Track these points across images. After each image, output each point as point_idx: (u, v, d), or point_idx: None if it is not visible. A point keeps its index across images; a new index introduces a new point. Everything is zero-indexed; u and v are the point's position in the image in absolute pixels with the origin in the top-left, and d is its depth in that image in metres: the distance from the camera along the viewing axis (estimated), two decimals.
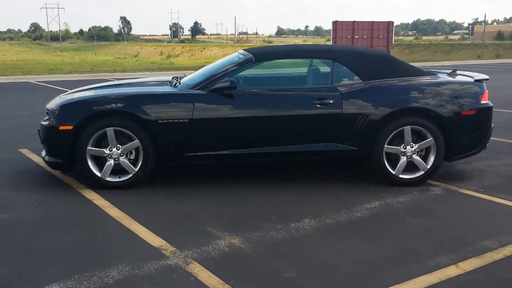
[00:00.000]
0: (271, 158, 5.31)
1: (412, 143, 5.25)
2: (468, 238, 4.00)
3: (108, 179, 5.07)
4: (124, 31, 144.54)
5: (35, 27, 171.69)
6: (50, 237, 3.95)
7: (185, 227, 4.17)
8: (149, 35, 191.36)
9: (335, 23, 37.50)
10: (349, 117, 5.18)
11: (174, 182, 5.41)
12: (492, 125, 5.63)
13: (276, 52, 5.85)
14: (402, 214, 4.52)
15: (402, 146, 5.25)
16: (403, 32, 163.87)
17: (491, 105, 5.55)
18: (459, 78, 5.76)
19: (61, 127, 4.99)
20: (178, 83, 5.51)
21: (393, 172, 5.28)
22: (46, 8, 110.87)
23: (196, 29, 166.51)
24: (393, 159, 5.30)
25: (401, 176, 5.30)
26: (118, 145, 5.02)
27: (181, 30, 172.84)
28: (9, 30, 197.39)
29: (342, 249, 3.78)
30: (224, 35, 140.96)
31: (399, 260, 3.61)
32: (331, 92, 5.21)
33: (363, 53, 5.74)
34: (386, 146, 5.23)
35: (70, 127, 4.96)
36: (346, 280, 3.32)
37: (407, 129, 5.21)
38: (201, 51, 67.13)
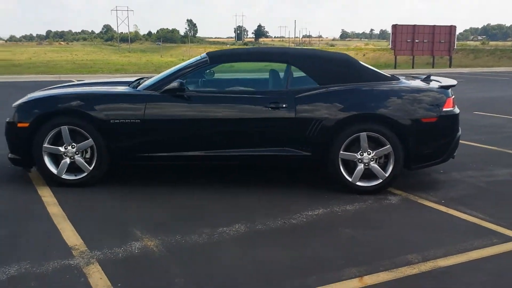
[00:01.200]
0: (224, 161, 5.30)
1: (369, 150, 5.09)
2: (392, 251, 3.84)
3: (64, 176, 5.21)
4: (190, 33, 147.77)
5: (107, 28, 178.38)
6: None
7: (111, 228, 4.21)
8: (215, 38, 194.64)
9: (394, 26, 36.67)
10: (302, 122, 5.08)
11: (127, 182, 5.48)
12: (459, 133, 5.36)
13: (232, 55, 5.82)
14: (338, 223, 4.39)
15: (359, 153, 5.10)
16: (472, 36, 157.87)
17: (457, 112, 5.29)
18: (421, 84, 5.53)
19: (19, 125, 5.17)
20: (139, 84, 5.59)
21: (350, 180, 5.14)
22: (116, 10, 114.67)
23: (260, 32, 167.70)
24: (352, 166, 5.16)
25: (358, 183, 5.15)
26: (73, 144, 5.16)
27: (245, 33, 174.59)
28: (83, 31, 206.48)
29: (251, 257, 3.71)
30: (288, 38, 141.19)
31: (303, 270, 3.50)
32: (285, 96, 5.14)
33: (320, 57, 5.63)
34: (341, 152, 5.09)
35: (26, 125, 5.13)
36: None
37: (363, 135, 5.05)
38: None
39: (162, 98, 5.16)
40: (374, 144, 5.11)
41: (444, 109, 5.16)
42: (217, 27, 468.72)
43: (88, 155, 5.23)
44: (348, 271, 3.49)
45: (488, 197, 5.19)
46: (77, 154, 5.18)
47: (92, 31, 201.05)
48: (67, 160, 5.19)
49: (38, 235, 4.06)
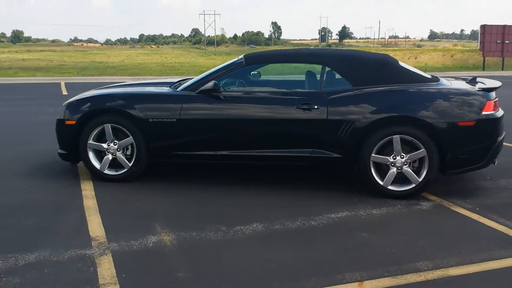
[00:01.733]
0: (256, 161, 5.35)
1: (403, 154, 4.97)
2: (404, 257, 3.74)
3: (106, 172, 5.50)
4: (274, 35, 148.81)
5: (195, 32, 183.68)
6: (11, 218, 4.45)
7: (136, 222, 4.38)
8: (299, 40, 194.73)
9: (483, 27, 35.14)
10: (334, 123, 5.05)
11: (166, 180, 5.68)
12: (500, 138, 5.09)
13: (266, 56, 5.86)
14: (358, 227, 4.33)
15: (391, 156, 5.00)
16: None
17: (498, 116, 5.03)
18: (461, 85, 5.30)
19: (67, 122, 5.52)
20: (180, 85, 5.77)
21: (381, 183, 5.04)
22: (204, 14, 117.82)
23: (344, 33, 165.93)
24: (385, 170, 5.07)
25: (389, 187, 5.04)
26: (115, 141, 5.43)
27: (329, 34, 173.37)
28: (173, 35, 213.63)
29: (261, 256, 3.74)
30: (373, 39, 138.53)
31: (305, 271, 3.49)
32: (317, 97, 5.13)
33: (356, 58, 5.54)
34: (373, 155, 5.01)
35: (73, 122, 5.48)
36: (232, 286, 3.33)
37: (396, 138, 4.94)
38: None
39: (198, 98, 5.31)
40: (408, 147, 4.98)
41: (483, 113, 4.93)
42: (302, 29, 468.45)
43: (129, 152, 5.48)
44: (350, 275, 3.45)
45: None
46: (119, 151, 5.45)
47: (181, 34, 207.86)
48: (109, 156, 5.47)
49: (67, 225, 4.32)
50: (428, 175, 4.96)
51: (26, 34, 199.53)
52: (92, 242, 3.96)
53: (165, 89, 5.73)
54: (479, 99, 4.98)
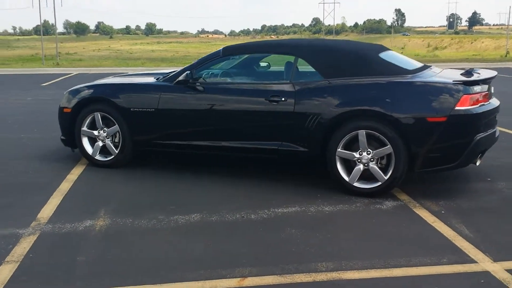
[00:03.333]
0: (228, 153, 5.36)
1: (369, 150, 4.73)
2: (312, 256, 3.60)
3: (97, 157, 5.82)
4: (397, 23, 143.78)
5: (316, 21, 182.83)
6: None
7: (89, 206, 4.61)
8: (426, 27, 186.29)
9: None
10: (300, 116, 4.92)
11: (152, 168, 5.87)
12: (480, 136, 4.62)
13: (241, 48, 5.79)
14: (294, 223, 4.20)
15: (358, 152, 4.77)
16: None
17: (477, 112, 4.58)
18: (439, 78, 4.88)
19: (65, 110, 5.91)
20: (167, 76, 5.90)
21: (347, 180, 4.84)
22: (324, 3, 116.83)
23: (474, 20, 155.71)
24: (352, 166, 4.86)
25: (355, 184, 4.82)
26: (104, 128, 5.73)
27: (458, 21, 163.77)
28: (293, 25, 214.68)
29: (174, 246, 3.79)
30: (507, 25, 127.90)
31: (205, 264, 3.49)
32: (286, 89, 5.02)
33: (329, 48, 5.31)
34: (339, 150, 4.82)
35: (69, 110, 5.86)
36: (122, 272, 3.44)
37: (362, 133, 4.71)
38: (471, 43, 63.36)
39: (175, 89, 5.43)
40: (376, 143, 4.72)
41: (457, 108, 4.52)
42: (429, 16, 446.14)
43: (117, 140, 5.75)
44: (240, 270, 3.40)
45: (502, 213, 4.45)
46: (108, 138, 5.74)
47: (302, 24, 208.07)
48: (100, 143, 5.78)
49: (26, 205, 4.64)
50: (394, 173, 4.67)
51: (158, 27, 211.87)
52: (33, 223, 4.24)
53: (149, 80, 5.91)
54: (453, 93, 4.57)
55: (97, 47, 61.47)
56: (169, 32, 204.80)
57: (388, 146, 4.64)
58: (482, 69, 5.29)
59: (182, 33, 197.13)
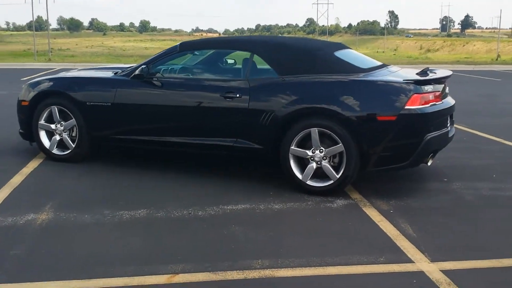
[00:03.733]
0: (184, 148, 5.32)
1: (322, 148, 4.70)
2: (250, 253, 3.57)
3: (54, 151, 5.75)
4: (390, 25, 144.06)
5: (310, 22, 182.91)
6: None
7: (34, 200, 4.56)
8: (419, 29, 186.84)
9: None
10: (254, 113, 4.89)
11: (113, 163, 5.82)
12: (431, 136, 4.60)
13: (198, 43, 5.76)
14: (240, 220, 4.16)
15: (311, 150, 4.74)
16: None
17: (428, 111, 4.55)
18: (386, 76, 4.87)
19: (23, 103, 5.85)
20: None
21: (300, 178, 4.81)
22: (317, 4, 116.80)
23: (467, 23, 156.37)
24: (306, 164, 4.83)
25: (308, 183, 4.79)
26: (61, 122, 5.67)
27: (451, 24, 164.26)
28: (288, 25, 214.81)
29: (111, 241, 3.76)
30: (499, 29, 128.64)
31: (139, 259, 3.46)
32: (241, 86, 4.98)
33: (285, 45, 5.29)
34: (292, 148, 4.79)
35: (27, 103, 5.79)
36: (51, 265, 3.39)
37: (314, 131, 4.68)
38: (463, 45, 63.65)
39: (131, 83, 5.38)
40: (330, 141, 4.69)
41: (407, 107, 4.49)
42: (422, 18, 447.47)
43: (74, 134, 5.69)
44: (173, 267, 3.36)
45: (450, 214, 4.44)
46: (65, 132, 5.68)
47: (296, 24, 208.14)
48: (57, 137, 5.72)
49: None
50: (346, 172, 4.64)
51: (152, 25, 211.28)
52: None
53: (107, 74, 5.85)
54: (403, 92, 4.54)
55: (90, 44, 61.25)
56: (163, 30, 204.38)
57: (340, 144, 4.61)
58: (438, 69, 5.28)
59: (176, 31, 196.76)
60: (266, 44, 5.34)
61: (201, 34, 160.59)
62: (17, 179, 5.14)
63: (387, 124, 4.52)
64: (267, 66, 5.08)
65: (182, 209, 4.40)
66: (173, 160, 5.95)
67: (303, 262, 3.45)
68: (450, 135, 5.03)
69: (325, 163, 4.71)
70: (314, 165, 4.74)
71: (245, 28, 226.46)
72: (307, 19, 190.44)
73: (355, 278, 3.28)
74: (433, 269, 3.38)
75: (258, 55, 5.12)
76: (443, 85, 4.96)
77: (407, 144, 4.56)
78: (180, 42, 5.55)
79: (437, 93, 4.75)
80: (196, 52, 5.74)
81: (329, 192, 4.75)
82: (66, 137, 5.68)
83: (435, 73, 5.02)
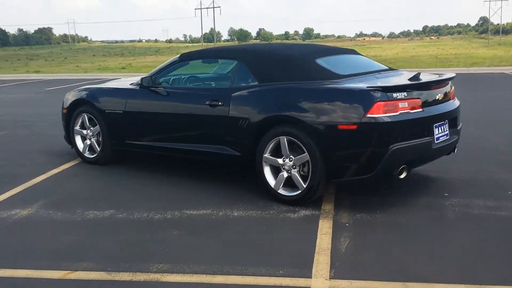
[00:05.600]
0: (177, 154, 5.52)
1: (291, 157, 4.62)
2: (154, 257, 3.68)
3: (85, 154, 6.36)
4: None
5: (483, 20, 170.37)
6: None
7: (40, 197, 5.09)
8: None
9: None
10: (234, 121, 4.94)
11: (133, 165, 6.24)
12: (395, 147, 4.23)
13: (196, 53, 5.93)
14: (185, 225, 4.27)
15: (282, 159, 4.68)
16: None
17: (391, 120, 4.20)
18: (354, 83, 4.54)
19: (64, 110, 6.55)
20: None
21: (272, 186, 4.76)
22: (489, 1, 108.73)
23: None
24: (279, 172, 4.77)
25: (280, 191, 4.72)
26: (91, 128, 6.27)
27: None
28: (458, 25, 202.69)
29: (52, 237, 4.12)
30: None
31: (49, 255, 3.77)
32: (225, 94, 5.07)
33: (267, 53, 5.23)
34: (265, 156, 4.76)
35: (66, 111, 6.49)
36: None
37: (283, 139, 4.62)
38: None
39: (140, 93, 5.78)
40: (298, 150, 4.59)
41: (368, 115, 4.20)
42: None
43: (100, 139, 6.24)
44: (77, 265, 3.58)
45: (409, 232, 4.09)
46: (94, 137, 6.26)
47: (467, 24, 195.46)
48: (88, 141, 6.33)
49: None
50: (312, 181, 4.49)
51: (316, 32, 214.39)
52: None
53: (122, 84, 6.31)
54: (365, 99, 4.25)
55: None
56: (326, 36, 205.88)
57: (306, 153, 4.48)
58: (429, 75, 4.82)
59: (338, 37, 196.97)
60: (250, 52, 5.35)
61: (363, 39, 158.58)
62: (39, 179, 5.79)
63: (348, 133, 4.28)
64: (250, 75, 5.08)
65: (145, 211, 4.62)
66: (180, 164, 6.15)
67: (201, 269, 3.46)
68: (437, 145, 4.56)
69: (294, 172, 4.60)
70: (285, 173, 4.66)
71: (411, 30, 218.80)
72: (480, 18, 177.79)
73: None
74: (320, 287, 3.18)
75: (243, 64, 5.16)
76: (431, 91, 4.56)
77: (370, 154, 4.26)
78: (181, 54, 5.81)
79: (415, 100, 4.35)
80: (196, 62, 5.91)
81: (299, 201, 4.63)
82: (94, 141, 6.24)
83: (431, 78, 4.63)
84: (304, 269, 3.43)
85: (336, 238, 3.92)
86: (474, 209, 4.43)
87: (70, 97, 6.47)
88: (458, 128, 5.01)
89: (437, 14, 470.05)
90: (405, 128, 4.28)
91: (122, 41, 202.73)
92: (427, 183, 5.22)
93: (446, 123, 4.73)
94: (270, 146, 4.71)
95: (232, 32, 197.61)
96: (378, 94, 4.23)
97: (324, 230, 4.10)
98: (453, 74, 5.00)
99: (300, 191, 4.58)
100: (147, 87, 5.68)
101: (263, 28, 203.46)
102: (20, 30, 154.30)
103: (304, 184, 4.54)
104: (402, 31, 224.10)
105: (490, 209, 4.42)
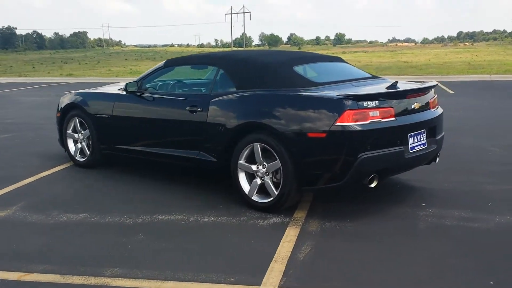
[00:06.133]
0: (159, 159, 5.55)
1: (265, 164, 4.60)
2: (111, 261, 3.69)
3: (77, 158, 6.46)
4: None
5: None
6: None
7: (23, 198, 5.20)
8: None
9: None
10: (211, 127, 4.96)
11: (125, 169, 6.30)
12: (364, 155, 4.15)
13: (181, 60, 5.91)
14: (153, 230, 4.28)
15: (256, 165, 4.67)
16: None
17: (360, 129, 4.13)
18: (325, 91, 4.48)
19: (57, 114, 6.66)
20: None
21: (246, 192, 4.74)
22: None
23: None
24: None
25: (253, 198, 4.71)
26: (82, 132, 6.36)
27: None
28: (494, 31, 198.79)
29: (25, 239, 4.18)
30: None
31: (15, 256, 3.84)
32: (204, 100, 5.08)
33: (247, 60, 5.21)
34: (240, 162, 4.75)
35: (59, 114, 6.60)
36: None
37: (256, 146, 4.60)
38: None
39: (125, 97, 5.84)
40: (271, 157, 4.57)
41: (338, 124, 4.15)
42: None
43: (91, 142, 6.32)
44: (34, 267, 3.63)
45: (375, 242, 4.01)
46: (84, 141, 6.35)
47: (503, 30, 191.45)
48: (79, 145, 6.43)
49: None
50: (283, 189, 4.45)
51: (347, 37, 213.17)
52: None
53: (114, 89, 6.37)
54: (334, 108, 4.19)
55: None
56: (358, 41, 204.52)
57: (277, 160, 4.45)
58: (409, 83, 4.74)
59: (370, 42, 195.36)
60: (230, 59, 5.37)
61: (396, 44, 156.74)
62: (28, 181, 5.89)
63: (318, 141, 4.23)
64: (229, 81, 5.08)
65: (118, 215, 4.66)
66: (169, 169, 6.18)
67: (153, 275, 3.46)
68: (412, 155, 4.47)
69: (267, 179, 4.58)
70: (258, 180, 4.64)
71: (445, 36, 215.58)
72: None
73: None
74: None
75: (223, 70, 5.17)
76: (407, 100, 4.48)
77: (339, 163, 4.20)
78: (166, 59, 5.85)
79: (387, 109, 4.28)
80: (180, 68, 5.92)
81: (271, 209, 4.60)
82: (84, 145, 6.32)
83: (408, 86, 4.56)
84: (256, 276, 3.40)
85: (298, 247, 3.87)
86: (447, 220, 4.33)
87: (65, 101, 6.57)
88: (438, 137, 4.90)
89: (473, 20, 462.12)
90: (375, 137, 4.21)
91: (155, 46, 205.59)
92: (408, 192, 5.13)
93: (424, 133, 4.64)
94: (245, 153, 4.70)
95: (263, 37, 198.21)
96: (348, 103, 4.17)
97: (289, 238, 4.05)
98: (434, 83, 4.91)
99: (272, 198, 4.55)
100: (132, 92, 5.73)
101: (294, 33, 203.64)
102: (56, 33, 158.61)
103: (276, 191, 4.50)
104: (436, 37, 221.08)
105: (464, 220, 4.31)
